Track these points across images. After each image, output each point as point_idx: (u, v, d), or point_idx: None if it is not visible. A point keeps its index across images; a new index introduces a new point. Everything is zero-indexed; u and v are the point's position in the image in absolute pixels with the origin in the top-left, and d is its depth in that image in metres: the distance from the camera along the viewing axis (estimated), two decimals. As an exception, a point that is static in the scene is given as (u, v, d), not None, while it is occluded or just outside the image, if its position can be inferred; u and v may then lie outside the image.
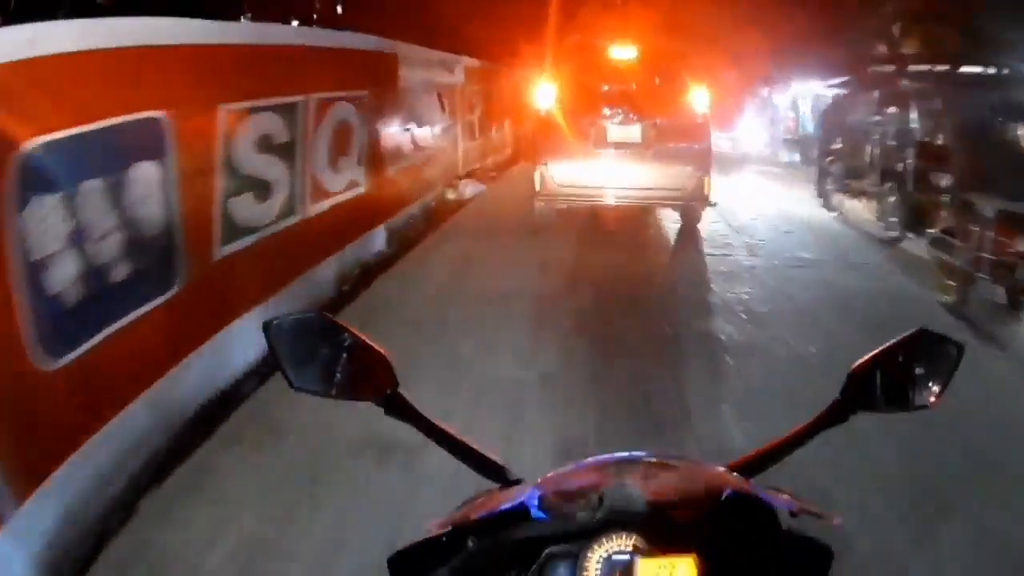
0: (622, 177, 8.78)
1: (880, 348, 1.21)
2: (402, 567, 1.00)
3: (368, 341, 1.23)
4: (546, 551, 0.93)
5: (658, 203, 9.37)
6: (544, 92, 9.13)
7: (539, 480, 1.08)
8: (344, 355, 1.21)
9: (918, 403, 1.21)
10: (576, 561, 0.91)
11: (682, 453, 1.22)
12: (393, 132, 7.90)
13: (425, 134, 9.24)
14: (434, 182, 9.91)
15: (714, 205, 9.21)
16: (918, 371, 1.20)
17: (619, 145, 8.80)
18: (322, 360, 1.21)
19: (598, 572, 0.91)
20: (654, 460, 1.12)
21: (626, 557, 0.91)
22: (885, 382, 1.20)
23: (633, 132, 8.83)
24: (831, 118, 12.05)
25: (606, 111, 8.86)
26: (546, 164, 8.83)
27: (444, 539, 0.98)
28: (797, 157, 17.63)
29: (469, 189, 10.80)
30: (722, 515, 0.97)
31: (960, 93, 8.37)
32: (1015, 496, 3.45)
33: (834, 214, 10.86)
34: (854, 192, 10.36)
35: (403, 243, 7.97)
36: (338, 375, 1.21)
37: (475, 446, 1.23)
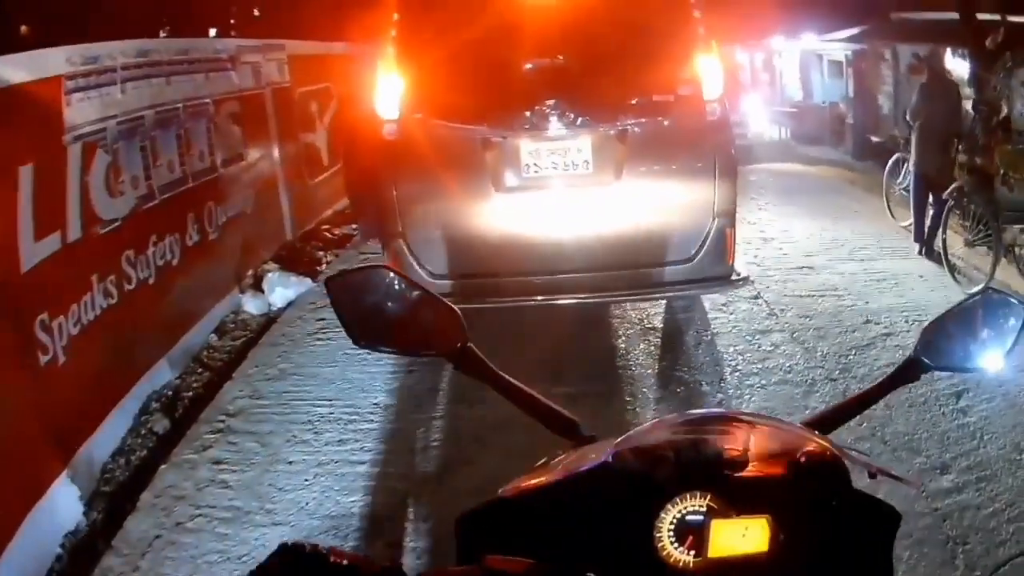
0: (559, 247, 4.43)
1: (949, 309, 1.24)
2: (472, 529, 1.00)
3: (437, 296, 1.20)
4: (620, 511, 0.93)
5: (634, 295, 4.80)
6: (387, 89, 4.45)
7: (615, 441, 0.99)
8: (412, 310, 1.18)
9: (984, 364, 1.22)
10: (650, 521, 0.92)
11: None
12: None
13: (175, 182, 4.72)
14: (217, 284, 5.24)
15: (744, 283, 4.72)
16: (985, 332, 1.21)
17: (545, 182, 4.41)
18: (388, 316, 1.17)
19: (671, 533, 0.92)
20: (730, 417, 1.08)
21: (700, 518, 0.92)
22: (954, 342, 1.21)
23: (576, 151, 4.37)
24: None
25: (518, 115, 4.36)
26: (403, 238, 4.36)
27: (516, 502, 0.98)
28: (785, 133, 14.38)
29: (281, 291, 5.85)
30: (797, 477, 0.96)
31: None
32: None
33: (960, 280, 6.30)
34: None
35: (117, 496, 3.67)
36: (406, 331, 1.18)
37: (549, 402, 1.20)
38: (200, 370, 4.76)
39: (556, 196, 4.43)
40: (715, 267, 4.51)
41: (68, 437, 3.43)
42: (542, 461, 1.10)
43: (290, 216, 6.82)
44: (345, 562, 0.81)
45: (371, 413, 4.17)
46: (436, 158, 4.36)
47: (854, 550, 0.99)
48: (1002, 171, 6.35)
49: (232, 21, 17.55)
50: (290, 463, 3.74)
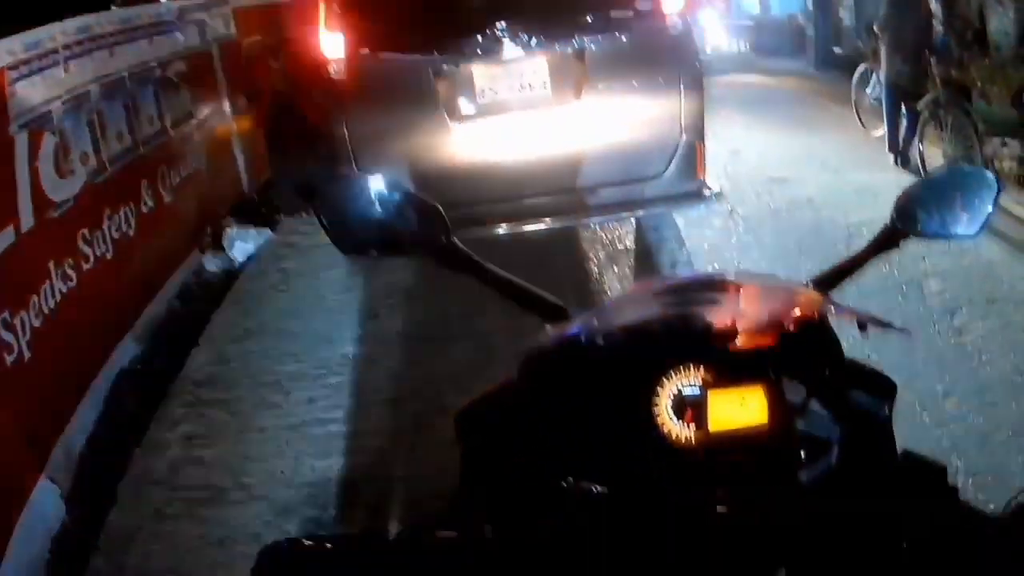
0: (522, 172, 4.32)
1: (920, 179, 1.38)
2: (470, 423, 1.03)
3: (418, 194, 1.21)
4: (614, 391, 0.93)
5: (604, 215, 4.67)
6: (329, 26, 4.33)
7: (594, 313, 1.03)
8: (394, 212, 1.19)
9: (961, 232, 1.24)
10: (648, 399, 0.91)
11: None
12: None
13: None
14: (177, 248, 5.11)
15: (717, 199, 4.68)
16: (958, 202, 1.23)
17: (502, 107, 4.28)
18: (372, 221, 1.18)
19: (670, 408, 0.91)
20: (717, 281, 1.07)
21: (697, 391, 0.91)
22: (929, 211, 1.23)
23: (532, 73, 4.25)
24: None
25: (468, 40, 4.22)
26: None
27: (509, 391, 1.00)
28: (745, 46, 13.96)
29: (241, 245, 5.62)
30: (789, 341, 0.95)
31: None
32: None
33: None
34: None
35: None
36: (390, 233, 1.19)
37: (536, 290, 1.21)
38: (166, 340, 4.56)
39: (515, 121, 4.29)
40: (685, 183, 4.43)
41: (43, 436, 3.25)
42: (525, 345, 1.06)
43: (246, 168, 6.59)
44: (328, 546, 0.80)
45: (340, 366, 4.00)
46: (387, 93, 4.25)
47: (852, 420, 0.98)
48: (979, 84, 6.22)
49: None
50: (262, 430, 3.57)
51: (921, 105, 6.37)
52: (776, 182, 6.28)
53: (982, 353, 3.72)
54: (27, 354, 3.17)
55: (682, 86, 4.32)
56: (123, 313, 4.26)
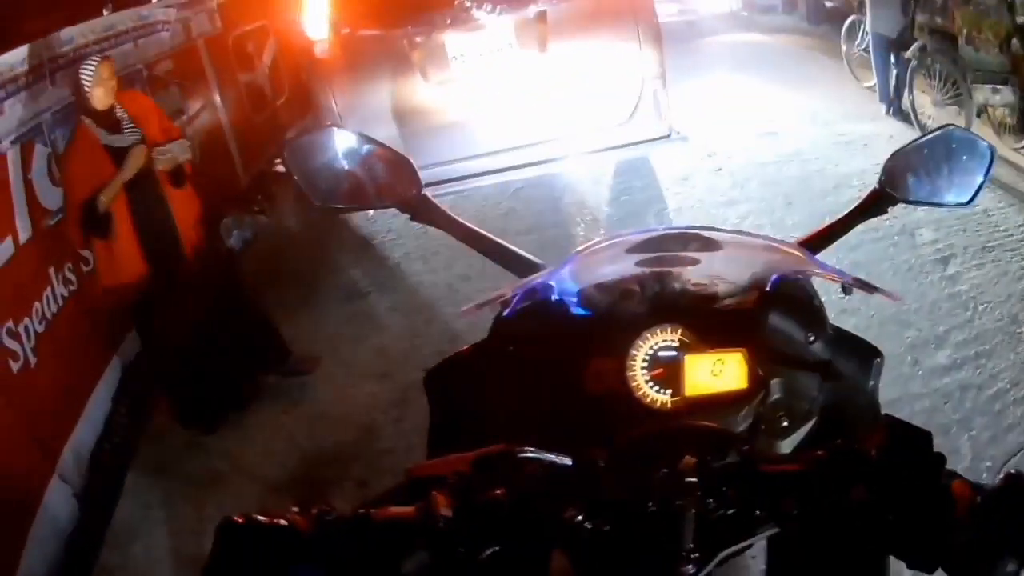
0: (495, 121, 4.74)
1: (912, 143, 1.20)
2: (439, 384, 0.98)
3: (389, 147, 1.19)
4: (586, 352, 0.89)
5: (574, 157, 4.91)
6: (313, 10, 4.83)
7: (566, 264, 0.97)
8: (366, 165, 1.17)
9: (952, 200, 1.19)
10: (622, 360, 0.88)
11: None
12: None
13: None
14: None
15: (682, 139, 4.96)
16: (949, 168, 1.18)
17: (473, 68, 4.70)
18: (344, 174, 1.17)
19: (644, 369, 0.88)
20: (696, 236, 0.99)
21: (673, 353, 0.88)
22: (920, 175, 1.18)
23: (499, 36, 4.62)
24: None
25: (439, 13, 4.64)
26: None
27: (480, 351, 0.96)
28: (736, 3, 13.28)
29: (238, 234, 5.69)
30: (771, 304, 0.92)
31: None
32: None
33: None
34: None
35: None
36: (362, 186, 1.18)
37: (505, 243, 1.18)
38: None
39: (485, 80, 4.66)
40: (651, 126, 4.78)
41: (53, 438, 3.31)
42: (497, 294, 1.01)
43: (239, 158, 6.66)
44: (282, 522, 0.76)
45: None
46: (369, 66, 4.67)
47: (835, 388, 0.93)
48: (965, 31, 6.12)
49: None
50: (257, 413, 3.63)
51: (909, 54, 6.28)
52: (766, 136, 6.25)
53: (977, 303, 3.65)
54: (33, 361, 3.22)
55: (641, 38, 4.66)
56: (125, 310, 4.32)
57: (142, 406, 3.88)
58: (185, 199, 3.39)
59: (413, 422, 3.25)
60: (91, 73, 3.13)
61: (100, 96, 3.16)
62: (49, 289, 3.54)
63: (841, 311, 3.32)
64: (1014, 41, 5.20)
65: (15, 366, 3.11)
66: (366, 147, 1.18)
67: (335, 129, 1.20)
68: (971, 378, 3.13)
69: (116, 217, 3.16)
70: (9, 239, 3.33)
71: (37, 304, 3.41)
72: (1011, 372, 3.12)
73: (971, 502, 0.70)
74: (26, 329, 3.26)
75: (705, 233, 1.01)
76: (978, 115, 5.75)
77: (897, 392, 3.03)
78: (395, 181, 1.19)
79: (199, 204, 3.49)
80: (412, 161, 1.19)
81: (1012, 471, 0.75)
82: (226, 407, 3.59)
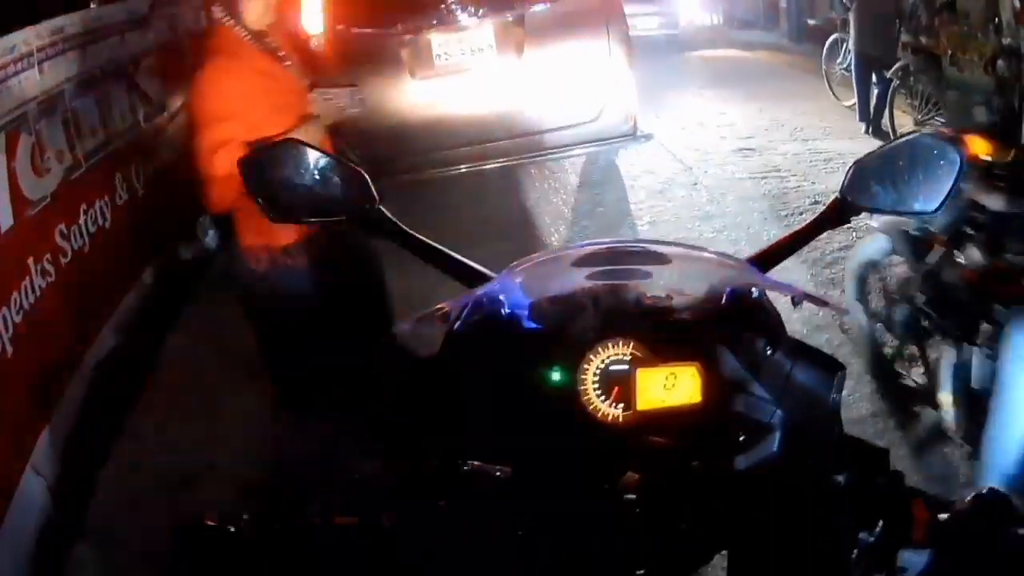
0: (475, 121, 5.16)
1: (878, 149, 1.16)
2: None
3: (344, 160, 1.19)
4: (537, 365, 0.88)
5: (549, 152, 5.36)
6: (309, 6, 5.21)
7: (511, 270, 0.98)
8: (321, 179, 1.18)
9: (919, 208, 1.14)
10: (573, 374, 0.87)
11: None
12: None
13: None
14: (152, 237, 5.18)
15: (647, 139, 5.57)
16: (917, 174, 1.14)
17: (456, 67, 5.12)
18: (299, 187, 1.18)
19: (596, 384, 0.87)
20: (648, 250, 1.00)
21: (625, 367, 0.87)
22: (885, 182, 1.14)
23: (480, 38, 5.08)
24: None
25: (426, 14, 5.12)
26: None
27: (430, 364, 0.93)
28: (718, 19, 13.97)
29: (214, 233, 5.70)
30: (726, 317, 0.92)
31: None
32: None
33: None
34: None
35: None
36: (316, 199, 1.18)
37: (456, 256, 1.17)
38: (142, 330, 4.56)
39: (467, 78, 5.08)
40: (618, 126, 5.17)
41: (26, 430, 3.26)
42: (439, 307, 0.99)
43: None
44: (241, 525, 0.78)
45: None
46: (361, 60, 4.99)
47: (794, 402, 0.91)
48: (950, 52, 6.19)
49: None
50: (235, 409, 3.57)
51: (891, 73, 6.37)
52: (744, 152, 6.31)
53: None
54: (9, 349, 3.17)
55: (611, 44, 5.06)
56: (99, 306, 4.26)
57: (118, 399, 3.83)
58: None
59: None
60: None
61: (258, 10, 2.53)
62: (28, 279, 3.50)
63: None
64: (999, 62, 5.27)
65: (-9, 354, 3.13)
66: (322, 161, 1.18)
67: (292, 142, 1.21)
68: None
69: None
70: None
71: (15, 294, 3.36)
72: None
73: (932, 521, 0.70)
74: (4, 319, 3.21)
75: (653, 247, 1.01)
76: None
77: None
78: (349, 194, 1.19)
79: None
80: (366, 175, 1.20)
81: (982, 490, 0.75)
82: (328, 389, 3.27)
